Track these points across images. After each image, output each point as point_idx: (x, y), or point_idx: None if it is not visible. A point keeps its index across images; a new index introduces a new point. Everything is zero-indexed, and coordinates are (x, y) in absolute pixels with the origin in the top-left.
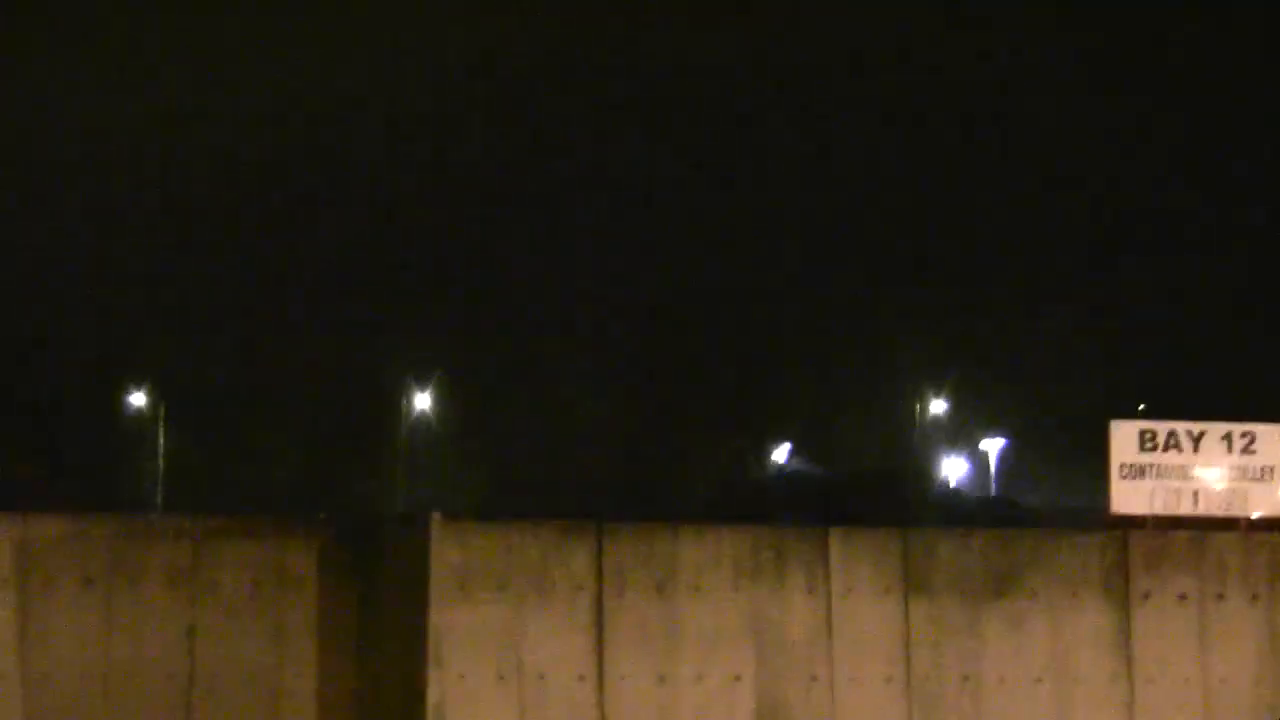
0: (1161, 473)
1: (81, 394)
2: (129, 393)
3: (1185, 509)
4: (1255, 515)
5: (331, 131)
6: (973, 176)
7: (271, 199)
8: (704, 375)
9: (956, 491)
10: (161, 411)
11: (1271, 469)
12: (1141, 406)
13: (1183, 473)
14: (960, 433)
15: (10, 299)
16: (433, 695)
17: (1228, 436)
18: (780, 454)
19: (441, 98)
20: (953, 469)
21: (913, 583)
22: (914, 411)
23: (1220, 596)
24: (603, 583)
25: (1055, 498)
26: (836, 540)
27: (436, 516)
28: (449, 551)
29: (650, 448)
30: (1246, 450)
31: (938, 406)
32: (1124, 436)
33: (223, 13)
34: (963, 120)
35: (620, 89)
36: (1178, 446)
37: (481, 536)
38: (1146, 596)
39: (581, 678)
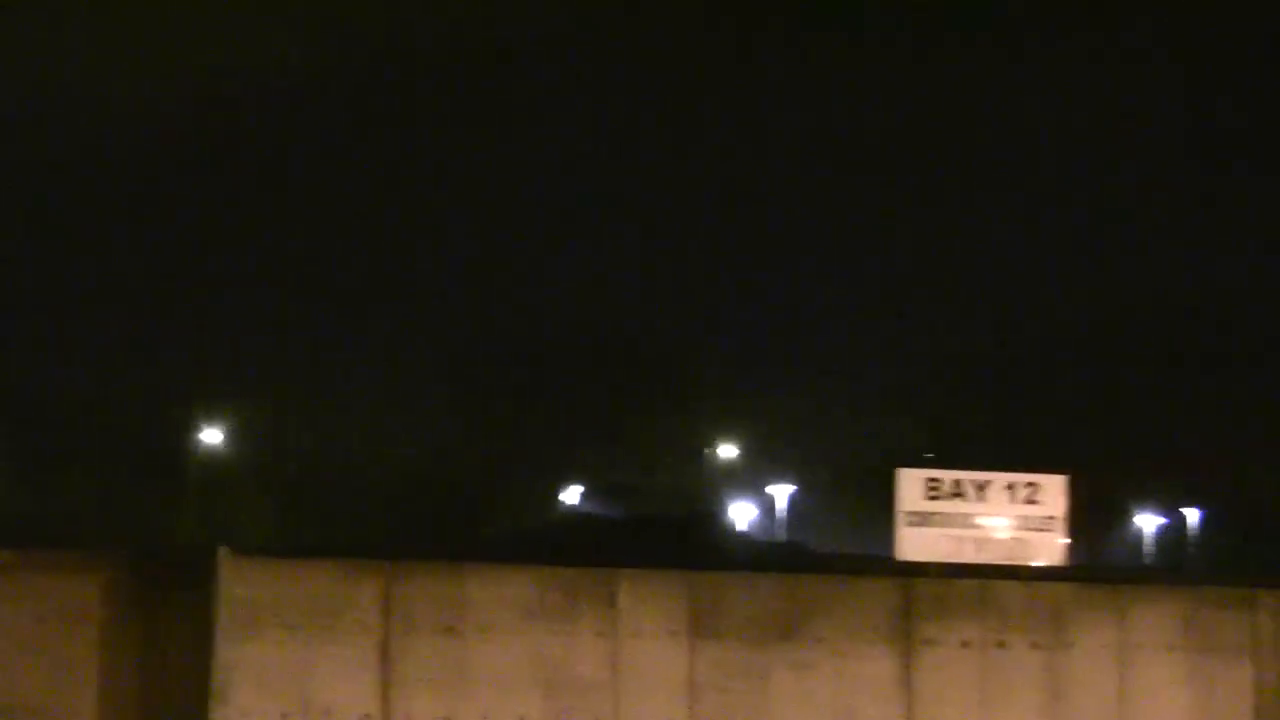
0: (946, 521)
1: None
2: None
3: (969, 557)
4: (1037, 564)
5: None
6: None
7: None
8: (497, 415)
9: (745, 535)
10: None
11: (1053, 518)
12: (929, 455)
13: (967, 521)
14: (749, 477)
15: None
16: None
17: (1012, 486)
18: (571, 495)
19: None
20: (741, 513)
21: (700, 626)
22: (704, 456)
23: (1002, 644)
24: (390, 621)
25: (842, 543)
26: (626, 582)
27: (224, 551)
28: (236, 587)
29: (442, 486)
30: (1030, 500)
31: (728, 451)
32: (910, 484)
33: None
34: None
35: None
36: (963, 495)
37: (269, 572)
38: (930, 643)
39: (367, 716)
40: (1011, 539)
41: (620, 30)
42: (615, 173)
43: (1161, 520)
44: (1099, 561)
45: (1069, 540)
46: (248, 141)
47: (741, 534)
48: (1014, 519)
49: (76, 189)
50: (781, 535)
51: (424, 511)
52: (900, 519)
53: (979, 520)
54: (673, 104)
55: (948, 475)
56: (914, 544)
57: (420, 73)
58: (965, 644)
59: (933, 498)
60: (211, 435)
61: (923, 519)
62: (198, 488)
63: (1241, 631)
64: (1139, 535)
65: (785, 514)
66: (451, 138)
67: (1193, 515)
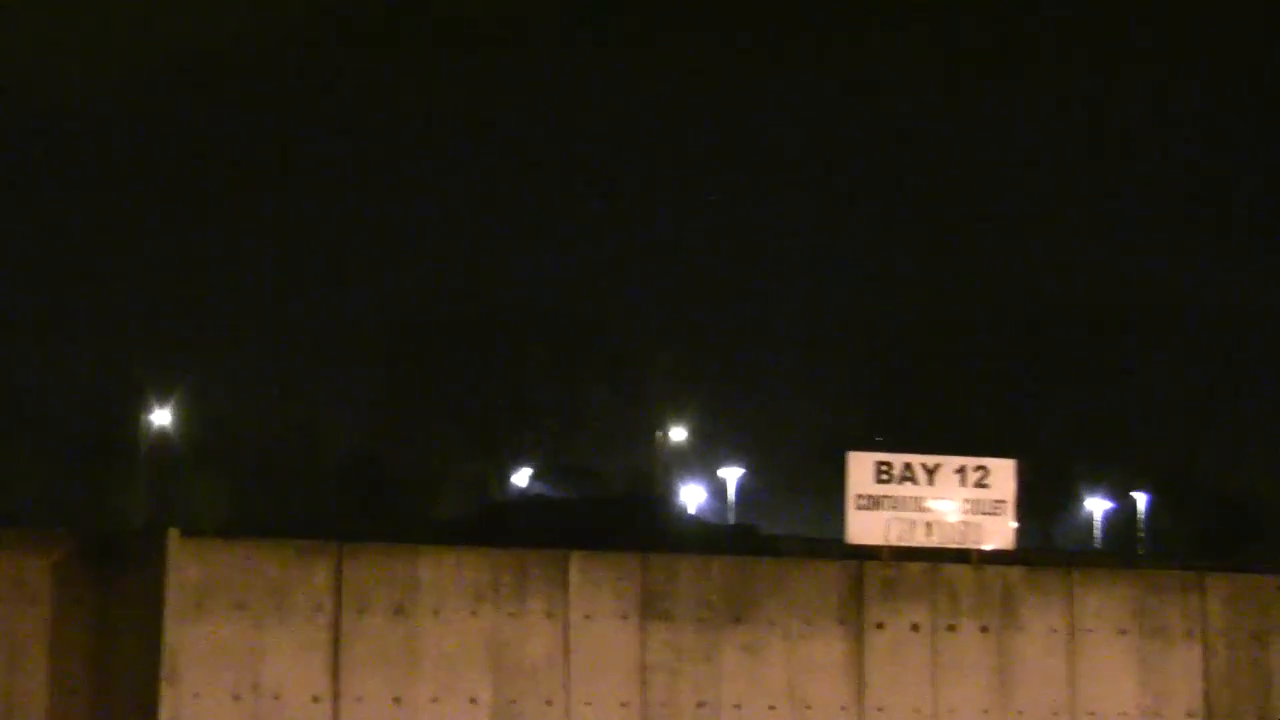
0: (897, 504)
1: None
2: None
3: (919, 540)
4: (987, 548)
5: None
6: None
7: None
8: (449, 398)
9: (696, 518)
10: None
11: (1003, 502)
12: (879, 438)
13: (917, 504)
14: (700, 461)
15: None
16: (165, 713)
17: (962, 470)
18: (522, 478)
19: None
20: (692, 496)
21: (651, 608)
22: (655, 439)
23: (952, 628)
24: (341, 603)
25: (793, 526)
26: (577, 564)
27: (174, 532)
28: (187, 568)
29: (394, 467)
30: (980, 484)
31: (679, 434)
32: (860, 467)
33: None
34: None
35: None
36: (913, 478)
37: (220, 553)
38: (880, 626)
39: (317, 698)
40: (961, 522)
41: None
42: (570, 160)
43: (1110, 504)
44: (1049, 545)
45: (1019, 524)
46: (207, 124)
47: (692, 516)
48: (964, 502)
49: (19, 171)
50: (732, 518)
51: (376, 493)
52: (850, 502)
53: (929, 504)
54: (637, 90)
55: (898, 459)
56: (864, 527)
57: (388, 56)
58: (915, 627)
59: (883, 481)
60: (163, 418)
61: (873, 502)
62: (149, 470)
63: (1190, 615)
64: (1088, 519)
65: (736, 497)
66: (414, 123)
67: (1141, 500)
